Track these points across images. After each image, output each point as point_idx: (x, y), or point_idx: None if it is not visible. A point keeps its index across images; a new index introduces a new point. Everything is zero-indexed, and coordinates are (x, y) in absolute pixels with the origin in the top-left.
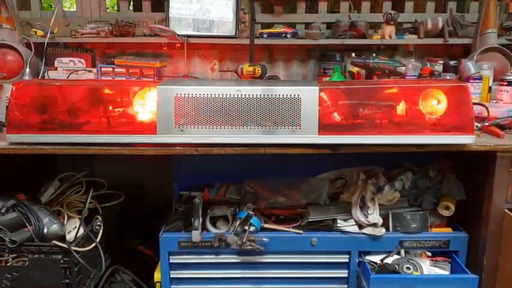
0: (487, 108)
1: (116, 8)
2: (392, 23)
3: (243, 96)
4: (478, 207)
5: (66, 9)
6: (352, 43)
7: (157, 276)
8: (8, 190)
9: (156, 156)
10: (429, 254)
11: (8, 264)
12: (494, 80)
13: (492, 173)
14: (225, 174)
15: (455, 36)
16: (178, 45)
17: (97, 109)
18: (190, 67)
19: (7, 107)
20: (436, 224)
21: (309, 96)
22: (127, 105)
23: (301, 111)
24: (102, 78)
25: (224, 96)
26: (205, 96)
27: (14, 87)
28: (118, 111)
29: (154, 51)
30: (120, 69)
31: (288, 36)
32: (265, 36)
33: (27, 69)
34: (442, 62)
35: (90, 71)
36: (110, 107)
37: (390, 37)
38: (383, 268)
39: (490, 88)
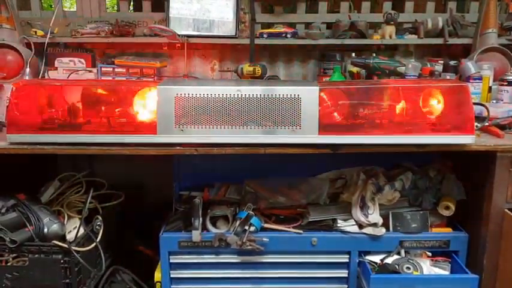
0: (487, 108)
1: (116, 8)
2: (392, 23)
3: (243, 96)
4: (478, 207)
5: (66, 9)
6: (352, 43)
7: (157, 276)
8: (8, 190)
9: (156, 156)
10: (429, 254)
11: (9, 264)
12: (494, 80)
13: (492, 173)
14: (225, 174)
15: (455, 36)
16: (179, 45)
17: (97, 109)
18: (191, 67)
19: (7, 107)
20: (436, 224)
21: (309, 96)
22: (127, 105)
23: (301, 111)
24: (102, 78)
25: (224, 96)
26: (206, 96)
27: (14, 87)
28: (118, 111)
29: (155, 51)
30: (120, 69)
31: (288, 36)
32: (265, 36)
33: (27, 69)
34: (442, 62)
35: (90, 71)
36: (110, 107)
37: (390, 37)
38: (383, 268)
39: (490, 88)
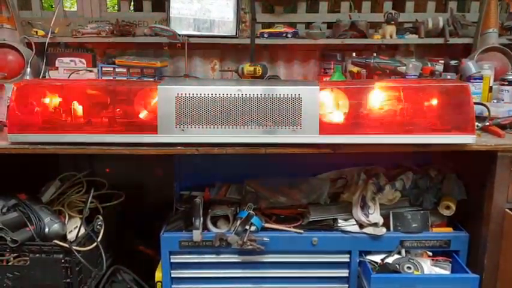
0: (488, 108)
1: (116, 7)
2: (392, 22)
3: (244, 96)
4: (478, 207)
5: (66, 9)
6: (353, 43)
7: (158, 275)
8: (9, 190)
9: (157, 156)
10: (430, 253)
11: (10, 263)
12: (494, 80)
13: (493, 172)
14: (225, 174)
15: (456, 35)
16: (179, 45)
17: (98, 109)
18: (191, 67)
19: (8, 106)
20: (437, 224)
21: (310, 96)
22: (128, 105)
23: (301, 111)
24: (103, 78)
25: (225, 96)
26: (206, 96)
27: (15, 87)
28: (119, 111)
29: (155, 51)
30: (120, 69)
31: (289, 36)
32: (265, 36)
33: (28, 69)
34: (442, 61)
35: (91, 71)
36: (111, 107)
37: (391, 37)
38: (384, 268)
39: (490, 88)
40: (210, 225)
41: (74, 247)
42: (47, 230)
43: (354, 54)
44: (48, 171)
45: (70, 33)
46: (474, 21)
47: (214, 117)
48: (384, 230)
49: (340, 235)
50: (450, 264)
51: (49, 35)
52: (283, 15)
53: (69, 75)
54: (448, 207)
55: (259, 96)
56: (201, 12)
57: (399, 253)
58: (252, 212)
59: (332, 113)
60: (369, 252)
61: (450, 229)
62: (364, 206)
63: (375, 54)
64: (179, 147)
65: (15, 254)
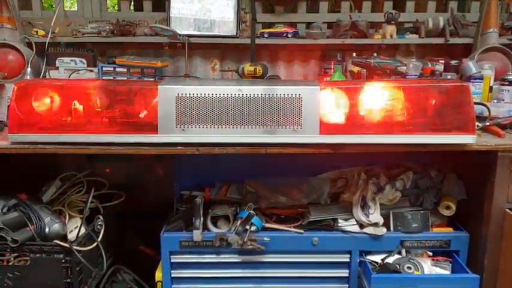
0: (488, 108)
1: (116, 7)
2: (393, 22)
3: (244, 95)
4: (479, 207)
5: (67, 9)
6: (353, 43)
7: (158, 275)
8: (10, 189)
9: (157, 156)
10: (430, 253)
11: (10, 263)
12: (495, 80)
13: (493, 172)
14: (226, 174)
15: (456, 35)
16: (179, 45)
17: (98, 109)
18: (191, 67)
19: (8, 106)
20: (437, 224)
21: (310, 95)
22: (128, 105)
23: (302, 111)
24: (103, 77)
25: (225, 95)
26: (207, 95)
27: (15, 87)
28: (119, 110)
29: (156, 51)
30: (121, 69)
31: (289, 36)
32: (266, 36)
33: (29, 69)
34: (443, 61)
35: (91, 71)
36: (111, 107)
37: (391, 37)
38: (384, 268)
39: (491, 88)
40: (210, 225)
41: (75, 247)
42: (47, 229)
43: (354, 54)
44: (49, 171)
45: (70, 33)
46: (474, 21)
47: (215, 117)
48: (384, 230)
49: (340, 235)
50: (450, 264)
51: (49, 35)
52: (283, 15)
53: (70, 75)
54: (448, 207)
55: (259, 96)
56: (202, 12)
57: (399, 253)
58: (252, 211)
59: (332, 112)
60: (369, 252)
61: (450, 229)
62: (364, 206)
63: (375, 54)
64: (179, 147)
65: (16, 254)
